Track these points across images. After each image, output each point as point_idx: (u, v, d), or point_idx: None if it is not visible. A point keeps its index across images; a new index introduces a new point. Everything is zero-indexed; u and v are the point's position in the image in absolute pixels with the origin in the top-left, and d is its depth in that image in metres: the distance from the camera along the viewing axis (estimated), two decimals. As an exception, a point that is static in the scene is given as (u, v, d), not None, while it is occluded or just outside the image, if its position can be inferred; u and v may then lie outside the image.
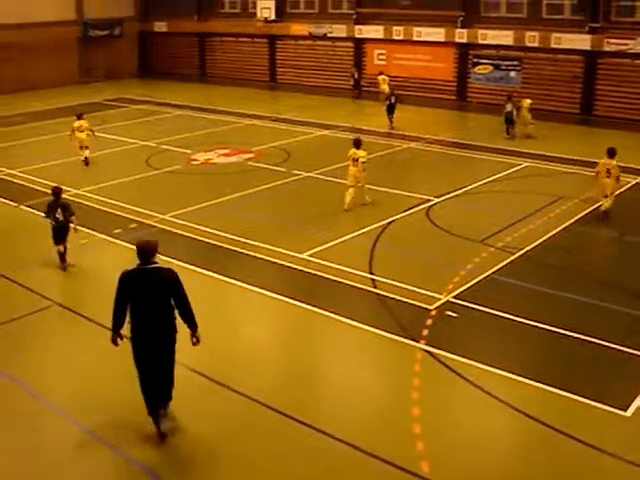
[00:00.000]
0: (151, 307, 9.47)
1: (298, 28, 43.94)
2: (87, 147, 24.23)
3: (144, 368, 9.63)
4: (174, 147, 27.33)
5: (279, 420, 10.08)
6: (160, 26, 50.24)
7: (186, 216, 18.74)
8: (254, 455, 9.38)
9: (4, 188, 21.93)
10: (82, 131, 24.20)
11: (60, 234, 15.30)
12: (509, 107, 28.83)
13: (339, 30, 42.27)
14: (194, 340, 9.83)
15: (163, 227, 17.99)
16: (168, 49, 50.58)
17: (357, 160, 19.27)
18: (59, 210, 15.23)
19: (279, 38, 45.39)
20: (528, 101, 29.70)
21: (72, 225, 15.29)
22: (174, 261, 15.55)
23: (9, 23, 42.32)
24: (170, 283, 9.54)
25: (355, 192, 19.36)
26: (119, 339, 9.65)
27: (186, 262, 15.49)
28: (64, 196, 16.29)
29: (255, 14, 45.15)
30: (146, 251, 9.52)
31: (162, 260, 15.35)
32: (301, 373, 11.57)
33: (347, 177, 19.73)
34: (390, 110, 31.23)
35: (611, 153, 18.49)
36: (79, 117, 24.69)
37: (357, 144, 19.59)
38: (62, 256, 15.40)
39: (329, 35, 42.79)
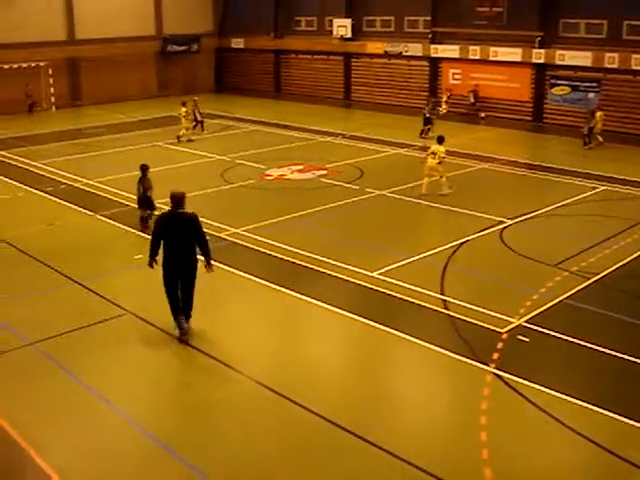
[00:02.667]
0: (178, 242, 12.33)
1: (374, 46, 44.08)
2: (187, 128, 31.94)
3: (171, 288, 12.60)
4: (248, 162, 27.65)
5: (344, 437, 10.05)
6: (237, 42, 50.99)
7: (258, 231, 18.92)
8: (317, 472, 9.38)
9: (82, 197, 22.53)
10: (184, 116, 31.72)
11: None
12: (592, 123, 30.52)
13: (415, 49, 42.25)
14: (208, 268, 12.71)
15: (235, 240, 18.21)
16: (244, 65, 51.30)
17: (435, 154, 22.16)
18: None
19: (354, 56, 45.60)
20: (599, 112, 31.31)
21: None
22: (245, 275, 15.77)
23: (96, 38, 44.21)
24: (192, 224, 12.41)
25: (431, 183, 22.44)
26: (154, 263, 12.79)
27: (257, 276, 15.66)
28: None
29: (331, 32, 45.49)
30: (177, 199, 12.38)
31: (232, 273, 15.69)
32: (369, 392, 11.51)
33: (424, 168, 22.67)
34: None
35: None
36: (183, 104, 31.80)
37: (440, 140, 22.60)
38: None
39: (404, 54, 42.80)
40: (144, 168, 19.09)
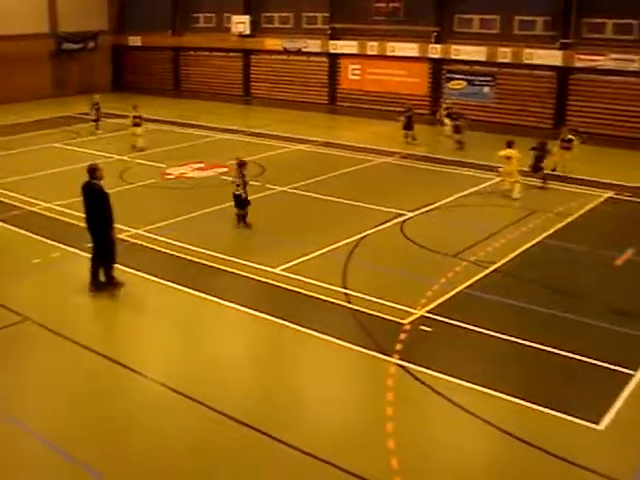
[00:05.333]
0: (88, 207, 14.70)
1: (272, 43, 44.03)
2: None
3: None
4: (148, 161, 27.23)
5: (251, 436, 10.01)
6: (134, 40, 50.08)
7: (160, 231, 18.65)
8: (223, 470, 9.34)
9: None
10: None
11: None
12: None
13: (314, 45, 42.43)
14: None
15: (136, 241, 17.88)
16: (142, 63, 50.41)
17: (510, 158, 22.20)
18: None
19: (253, 53, 45.47)
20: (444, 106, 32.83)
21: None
22: (146, 276, 15.53)
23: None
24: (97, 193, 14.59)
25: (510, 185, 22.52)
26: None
27: (159, 277, 15.44)
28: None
29: (230, 29, 45.24)
30: (89, 170, 14.90)
31: (134, 274, 15.43)
32: (274, 389, 11.49)
33: (502, 174, 22.79)
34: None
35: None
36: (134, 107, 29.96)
37: (509, 144, 22.56)
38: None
39: (303, 50, 42.93)
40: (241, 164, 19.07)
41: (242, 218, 19.09)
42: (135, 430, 10.26)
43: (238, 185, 18.85)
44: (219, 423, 10.33)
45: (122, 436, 10.10)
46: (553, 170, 24.23)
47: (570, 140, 24.29)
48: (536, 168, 23.47)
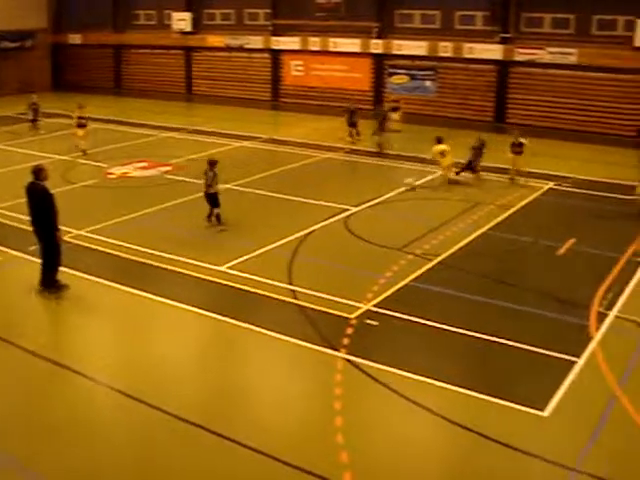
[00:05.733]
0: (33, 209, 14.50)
1: (214, 40, 43.83)
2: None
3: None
4: (90, 161, 26.85)
5: (200, 435, 9.95)
6: (74, 38, 49.41)
7: (102, 231, 18.38)
8: (169, 470, 9.25)
9: None
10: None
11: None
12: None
13: (256, 41, 42.33)
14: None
15: (79, 243, 17.59)
16: (83, 61, 49.72)
17: (444, 153, 23.30)
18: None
19: (195, 50, 45.17)
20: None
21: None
22: (91, 277, 15.31)
23: None
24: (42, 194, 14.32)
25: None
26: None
27: (102, 278, 15.23)
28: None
29: (171, 26, 44.84)
30: (34, 171, 14.43)
31: (77, 277, 15.20)
32: (222, 387, 11.45)
33: (443, 167, 23.62)
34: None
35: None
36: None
37: (439, 140, 23.55)
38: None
39: (246, 47, 42.78)
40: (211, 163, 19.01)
41: (217, 217, 18.92)
42: (77, 431, 10.08)
43: (210, 185, 18.79)
44: (165, 423, 10.23)
45: (62, 437, 9.92)
46: (512, 180, 23.78)
47: (521, 144, 23.83)
48: (473, 168, 23.75)
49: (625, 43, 32.49)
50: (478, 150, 23.93)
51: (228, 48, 43.47)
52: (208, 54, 44.75)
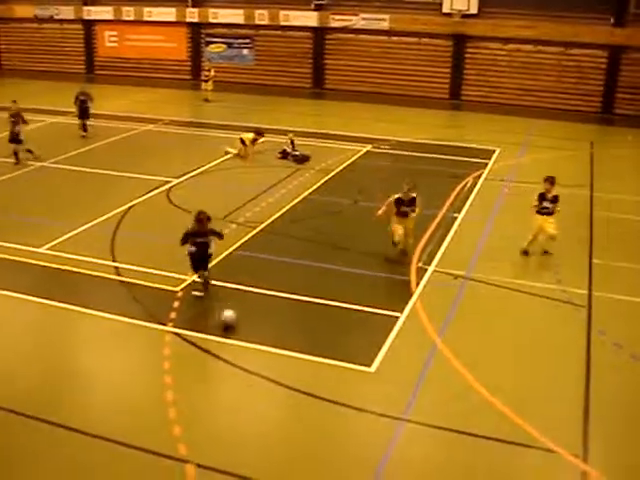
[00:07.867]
0: None
1: (22, 10, 41.64)
2: None
3: None
4: None
5: (29, 425, 9.60)
6: None
7: None
8: (12, 466, 8.87)
9: None
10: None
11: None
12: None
13: (67, 12, 40.63)
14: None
15: None
16: None
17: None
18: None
19: (2, 21, 42.77)
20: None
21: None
22: None
23: None
24: None
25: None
26: None
27: None
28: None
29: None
30: None
31: None
32: (51, 372, 11.04)
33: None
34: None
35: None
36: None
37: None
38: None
39: (56, 17, 41.00)
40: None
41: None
42: None
43: None
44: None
45: None
46: (405, 254, 15.50)
47: (413, 199, 15.70)
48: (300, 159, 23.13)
49: (435, 10, 33.83)
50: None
51: (37, 19, 41.47)
52: (17, 26, 42.44)
